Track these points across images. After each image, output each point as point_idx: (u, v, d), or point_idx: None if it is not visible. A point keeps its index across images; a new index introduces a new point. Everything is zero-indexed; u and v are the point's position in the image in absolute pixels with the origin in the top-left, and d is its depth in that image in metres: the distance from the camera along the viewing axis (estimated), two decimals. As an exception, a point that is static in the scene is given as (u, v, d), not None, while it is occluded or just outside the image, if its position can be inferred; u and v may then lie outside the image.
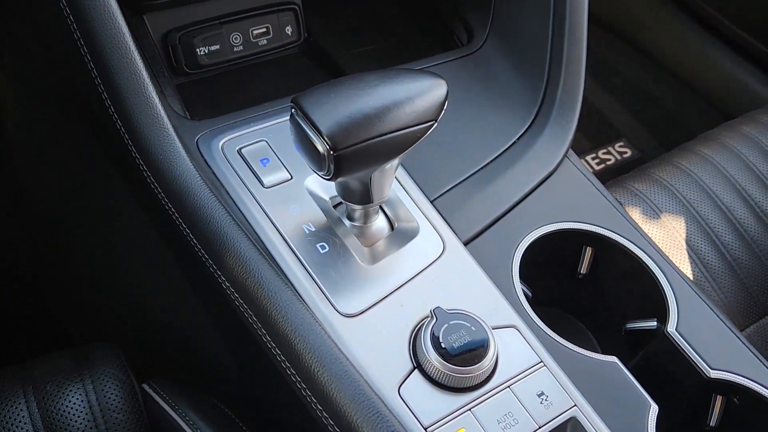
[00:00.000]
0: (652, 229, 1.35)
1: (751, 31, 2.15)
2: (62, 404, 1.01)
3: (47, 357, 1.09)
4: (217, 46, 1.18)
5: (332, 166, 0.79)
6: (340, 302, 0.88)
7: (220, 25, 1.18)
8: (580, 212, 1.08)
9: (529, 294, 1.03)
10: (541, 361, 0.90)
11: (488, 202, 1.04)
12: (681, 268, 1.12)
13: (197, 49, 1.16)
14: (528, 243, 1.02)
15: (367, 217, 0.94)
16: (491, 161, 1.09)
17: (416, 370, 0.85)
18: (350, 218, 0.95)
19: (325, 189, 0.97)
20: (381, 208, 0.98)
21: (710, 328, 1.02)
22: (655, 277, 1.04)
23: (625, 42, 2.40)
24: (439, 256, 0.95)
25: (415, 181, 1.03)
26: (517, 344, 0.91)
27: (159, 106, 0.92)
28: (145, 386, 1.06)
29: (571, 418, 0.87)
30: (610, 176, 1.54)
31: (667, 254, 1.08)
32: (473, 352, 0.84)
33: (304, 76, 1.27)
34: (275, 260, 0.90)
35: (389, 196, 0.96)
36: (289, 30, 1.25)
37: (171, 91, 1.10)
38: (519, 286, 0.97)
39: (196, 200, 0.89)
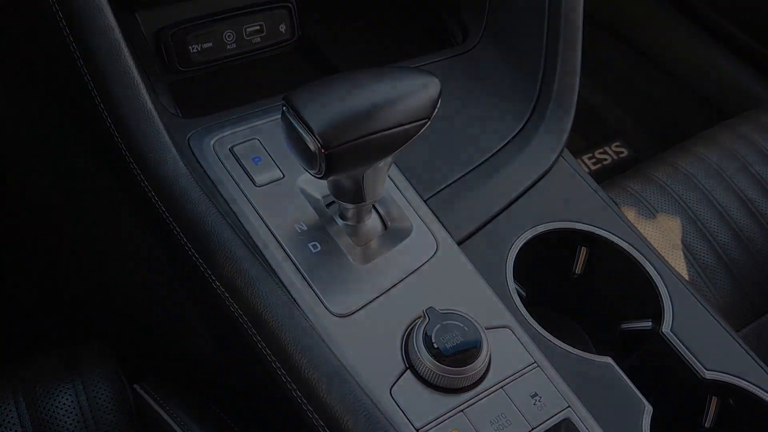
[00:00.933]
0: (647, 228, 1.34)
1: (748, 30, 2.14)
2: (52, 405, 1.00)
3: (37, 357, 1.08)
4: (210, 44, 1.17)
5: (324, 165, 0.78)
6: (331, 302, 0.87)
7: (213, 23, 1.17)
8: (574, 212, 1.07)
9: (523, 294, 1.02)
10: (535, 362, 0.89)
11: (482, 201, 1.04)
12: (676, 268, 1.11)
13: (190, 47, 1.15)
14: (522, 243, 1.02)
15: (359, 216, 0.93)
16: (485, 160, 1.08)
17: (408, 371, 0.84)
18: (343, 217, 0.94)
19: (318, 188, 0.96)
20: (374, 207, 0.97)
21: (705, 329, 1.01)
22: (650, 277, 1.03)
23: (622, 41, 2.39)
24: (432, 256, 0.95)
25: (408, 180, 1.02)
26: (511, 345, 0.90)
27: (150, 103, 0.92)
28: (136, 387, 1.05)
29: (564, 419, 0.87)
30: (606, 176, 1.54)
31: (662, 254, 1.08)
32: (466, 352, 0.84)
33: (297, 75, 1.26)
34: (266, 259, 0.89)
35: (382, 195, 0.95)
36: (282, 28, 1.24)
37: (163, 89, 1.09)
38: (513, 286, 0.97)
39: (186, 199, 0.88)
